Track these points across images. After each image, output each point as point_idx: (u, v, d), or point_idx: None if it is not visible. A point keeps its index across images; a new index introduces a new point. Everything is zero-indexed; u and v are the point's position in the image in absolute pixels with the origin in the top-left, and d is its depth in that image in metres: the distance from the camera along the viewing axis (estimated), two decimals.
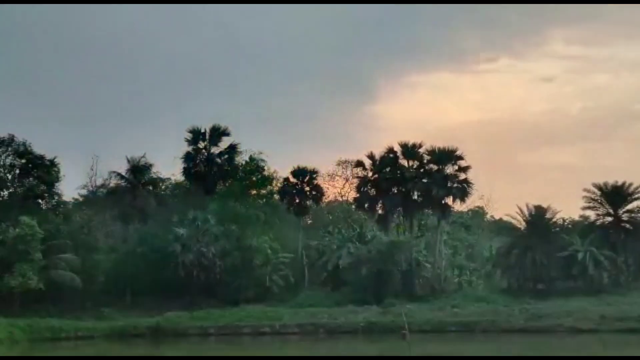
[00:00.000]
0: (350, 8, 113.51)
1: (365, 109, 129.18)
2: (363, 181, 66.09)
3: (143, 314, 56.73)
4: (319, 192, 70.18)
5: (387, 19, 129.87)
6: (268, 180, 68.44)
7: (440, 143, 63.91)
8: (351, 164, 79.31)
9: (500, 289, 61.35)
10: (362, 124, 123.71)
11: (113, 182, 67.68)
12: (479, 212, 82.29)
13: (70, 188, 74.91)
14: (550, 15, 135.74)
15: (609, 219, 63.64)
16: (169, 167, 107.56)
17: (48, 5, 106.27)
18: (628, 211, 63.51)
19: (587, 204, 64.80)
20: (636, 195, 62.94)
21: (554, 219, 63.99)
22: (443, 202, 63.21)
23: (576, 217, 74.34)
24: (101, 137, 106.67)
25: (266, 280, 60.73)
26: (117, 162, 68.89)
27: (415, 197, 63.42)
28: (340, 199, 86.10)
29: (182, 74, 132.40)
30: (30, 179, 56.59)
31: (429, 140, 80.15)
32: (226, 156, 70.80)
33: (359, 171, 68.47)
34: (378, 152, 65.20)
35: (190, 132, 69.82)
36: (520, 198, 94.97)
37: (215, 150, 70.65)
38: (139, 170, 66.12)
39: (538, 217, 61.96)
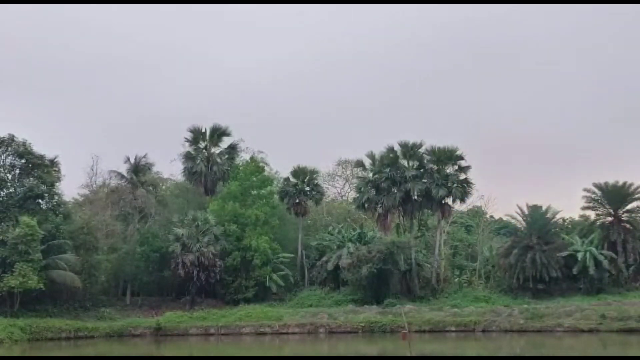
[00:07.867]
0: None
1: None
2: (363, 181, 66.06)
3: (143, 314, 56.92)
4: (319, 192, 70.20)
5: None
6: (268, 180, 68.41)
7: None
8: (351, 164, 79.50)
9: (500, 289, 61.29)
10: None
11: (113, 182, 67.74)
12: (479, 212, 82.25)
13: (70, 188, 75.08)
14: None
15: (609, 219, 63.57)
16: (170, 167, 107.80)
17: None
18: (628, 211, 63.45)
19: (587, 204, 64.81)
20: (636, 195, 62.88)
21: (554, 219, 63.95)
22: (443, 202, 63.13)
23: (576, 217, 74.60)
24: (102, 137, 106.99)
25: (266, 280, 60.82)
26: (118, 162, 69.02)
27: (415, 197, 63.30)
28: (340, 199, 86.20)
29: (182, 73, 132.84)
30: (30, 179, 56.41)
31: None
32: (226, 156, 70.75)
33: (359, 171, 68.60)
34: (378, 152, 65.31)
35: (191, 131, 69.76)
36: None
37: (215, 150, 70.66)
38: (139, 169, 66.08)
39: (538, 217, 61.86)
